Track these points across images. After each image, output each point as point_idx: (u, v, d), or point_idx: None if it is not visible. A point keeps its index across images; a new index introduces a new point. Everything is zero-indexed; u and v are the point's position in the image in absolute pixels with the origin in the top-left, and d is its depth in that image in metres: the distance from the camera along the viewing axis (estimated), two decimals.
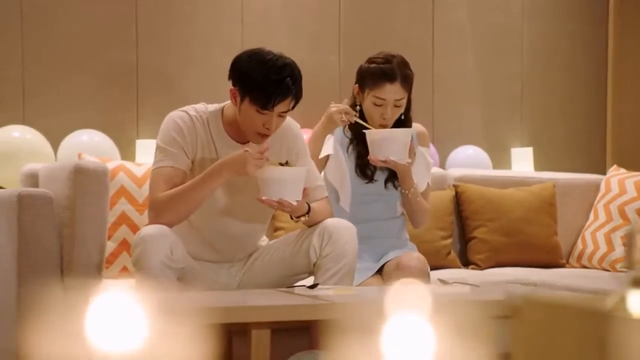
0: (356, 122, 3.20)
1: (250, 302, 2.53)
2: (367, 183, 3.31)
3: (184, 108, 2.96)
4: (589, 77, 5.38)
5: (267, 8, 4.71)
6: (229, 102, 2.94)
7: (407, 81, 3.24)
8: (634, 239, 0.89)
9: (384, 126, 3.25)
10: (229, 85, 2.88)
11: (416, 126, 3.42)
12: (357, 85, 3.29)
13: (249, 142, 2.91)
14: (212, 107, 2.98)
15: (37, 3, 4.32)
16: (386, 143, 3.07)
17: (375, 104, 3.23)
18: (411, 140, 3.18)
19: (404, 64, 3.24)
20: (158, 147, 2.91)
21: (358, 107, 3.30)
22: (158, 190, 2.85)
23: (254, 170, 2.76)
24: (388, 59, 3.23)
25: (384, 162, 3.10)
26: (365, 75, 3.25)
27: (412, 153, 3.16)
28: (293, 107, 2.88)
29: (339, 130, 3.35)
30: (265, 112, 2.81)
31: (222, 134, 2.94)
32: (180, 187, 2.83)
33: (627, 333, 0.77)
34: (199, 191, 2.81)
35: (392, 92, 3.21)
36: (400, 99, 3.23)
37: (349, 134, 3.34)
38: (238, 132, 2.92)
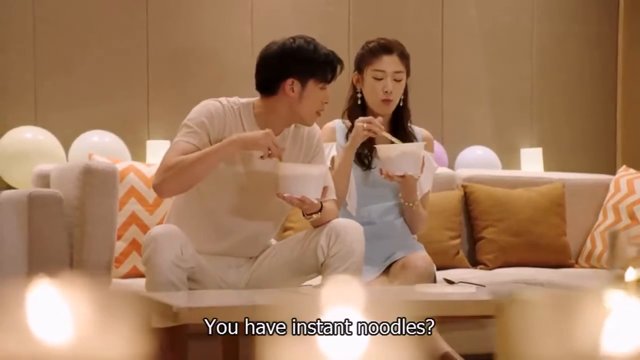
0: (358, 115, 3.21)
1: (257, 301, 2.55)
2: (364, 170, 3.32)
3: (219, 98, 3.03)
4: (598, 78, 5.38)
5: (277, 9, 4.73)
6: (256, 97, 3.01)
7: (404, 57, 3.30)
8: (616, 239, 0.91)
9: (387, 101, 3.27)
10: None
11: (421, 131, 3.44)
12: (355, 72, 3.34)
13: (278, 134, 2.96)
14: (244, 100, 3.05)
15: (49, 5, 4.35)
16: (403, 159, 3.04)
17: (375, 78, 3.27)
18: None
19: (400, 43, 3.33)
20: (184, 125, 2.94)
21: (359, 94, 3.33)
22: (168, 157, 2.88)
23: (265, 144, 2.80)
24: (382, 38, 3.33)
25: (402, 177, 3.07)
26: (363, 55, 3.33)
27: (423, 166, 3.15)
28: None
29: (340, 131, 3.35)
30: (326, 85, 2.96)
31: (253, 124, 2.99)
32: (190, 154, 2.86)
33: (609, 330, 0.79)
34: (207, 159, 2.83)
35: (390, 63, 3.27)
36: (399, 72, 3.27)
37: (348, 124, 3.35)
38: (267, 125, 2.96)
